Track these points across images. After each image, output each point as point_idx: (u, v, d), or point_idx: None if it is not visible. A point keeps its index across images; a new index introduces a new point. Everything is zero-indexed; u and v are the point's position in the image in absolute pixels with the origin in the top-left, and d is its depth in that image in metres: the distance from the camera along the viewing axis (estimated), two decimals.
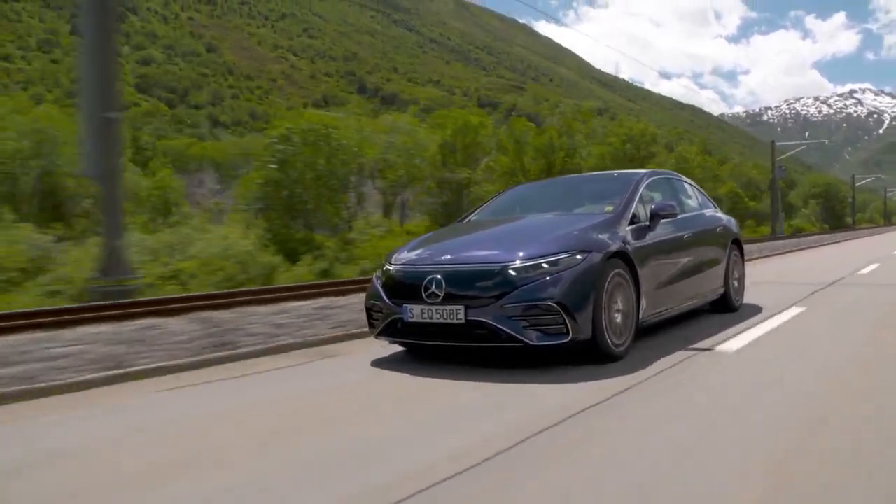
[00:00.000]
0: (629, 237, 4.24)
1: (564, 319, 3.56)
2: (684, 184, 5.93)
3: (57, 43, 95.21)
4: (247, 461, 2.43)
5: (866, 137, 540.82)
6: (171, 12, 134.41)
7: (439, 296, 3.71)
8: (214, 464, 2.44)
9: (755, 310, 5.85)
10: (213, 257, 11.66)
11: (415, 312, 3.80)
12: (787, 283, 8.67)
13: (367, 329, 4.55)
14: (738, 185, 48.12)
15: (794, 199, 64.55)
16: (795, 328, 4.97)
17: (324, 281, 10.80)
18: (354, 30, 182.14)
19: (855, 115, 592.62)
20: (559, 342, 3.59)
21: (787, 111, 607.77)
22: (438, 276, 3.77)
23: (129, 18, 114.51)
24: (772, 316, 5.48)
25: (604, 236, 4.05)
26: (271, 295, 8.25)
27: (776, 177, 39.15)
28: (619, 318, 3.91)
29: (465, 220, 5.35)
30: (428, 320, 3.75)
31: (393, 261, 4.24)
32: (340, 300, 7.71)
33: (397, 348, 4.51)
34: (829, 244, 22.54)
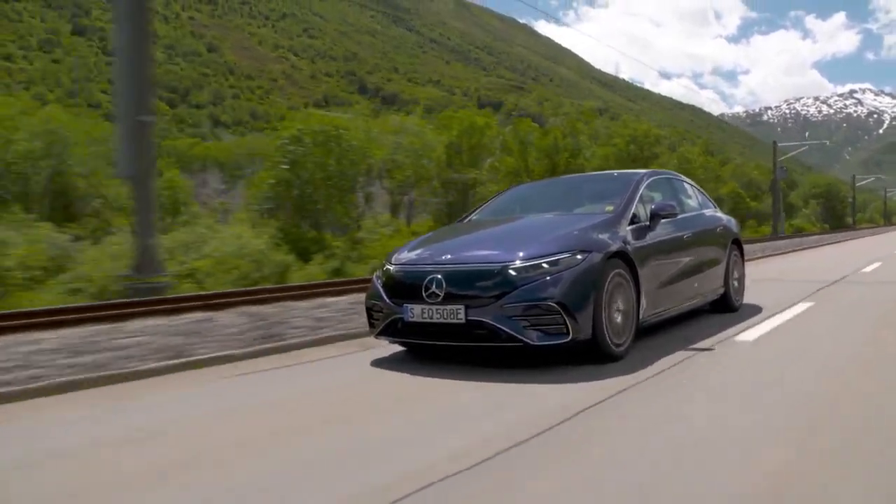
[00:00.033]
0: (629, 237, 4.24)
1: (564, 319, 3.56)
2: (684, 184, 5.93)
3: (58, 43, 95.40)
4: (303, 442, 2.66)
5: (866, 137, 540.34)
6: (171, 12, 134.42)
7: (439, 295, 3.71)
8: (278, 443, 2.67)
9: (755, 309, 5.85)
10: (227, 256, 11.79)
11: (415, 312, 3.80)
12: (789, 280, 8.71)
13: None
14: (740, 186, 48.12)
15: (795, 199, 64.56)
16: (796, 327, 4.97)
17: (354, 278, 11.04)
18: (354, 30, 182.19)
19: (855, 115, 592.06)
20: (559, 342, 3.59)
21: (787, 111, 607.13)
22: (439, 276, 3.77)
23: None
24: (772, 315, 5.48)
25: (604, 236, 4.04)
26: (307, 291, 8.63)
27: (778, 177, 39.17)
28: (619, 317, 3.90)
29: (466, 220, 5.35)
30: (428, 320, 3.75)
31: (393, 260, 4.24)
32: None
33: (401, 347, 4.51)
34: (830, 244, 22.55)
